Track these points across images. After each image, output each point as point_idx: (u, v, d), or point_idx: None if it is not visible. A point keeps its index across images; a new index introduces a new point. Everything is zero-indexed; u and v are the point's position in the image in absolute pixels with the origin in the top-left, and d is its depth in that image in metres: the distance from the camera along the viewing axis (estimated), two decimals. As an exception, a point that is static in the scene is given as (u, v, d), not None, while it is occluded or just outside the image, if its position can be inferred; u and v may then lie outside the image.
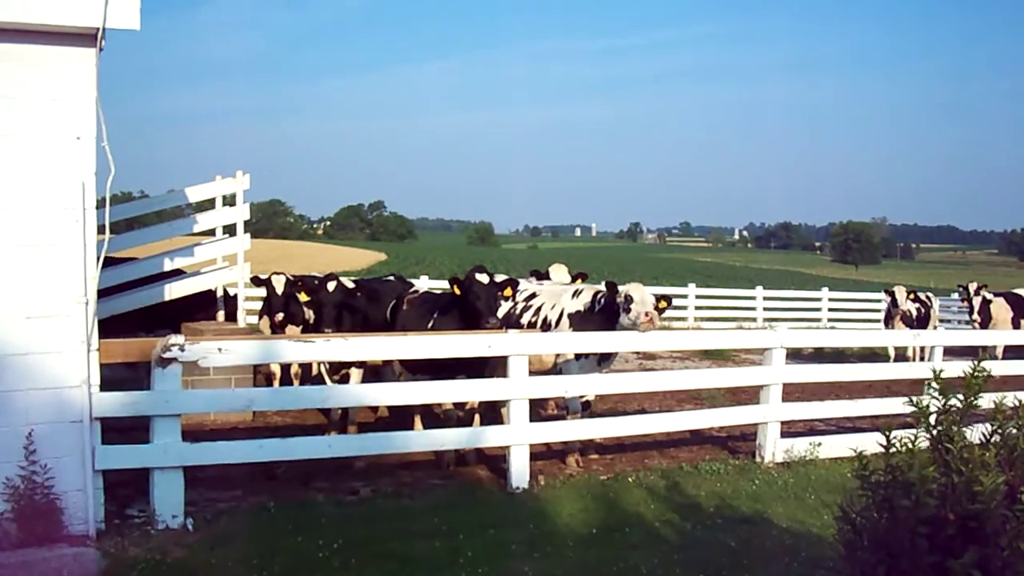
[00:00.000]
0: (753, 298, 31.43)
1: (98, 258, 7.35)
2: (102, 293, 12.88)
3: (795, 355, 10.61)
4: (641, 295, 10.04)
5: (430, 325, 10.46)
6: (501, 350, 9.03)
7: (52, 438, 7.12)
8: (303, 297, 11.34)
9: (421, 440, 9.08)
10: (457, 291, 10.16)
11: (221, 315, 13.44)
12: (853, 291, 34.93)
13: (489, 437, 9.29)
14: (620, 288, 10.30)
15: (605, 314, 10.36)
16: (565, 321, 10.80)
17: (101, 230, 7.47)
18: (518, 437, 9.06)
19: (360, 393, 8.89)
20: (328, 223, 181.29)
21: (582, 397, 10.42)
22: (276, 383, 12.57)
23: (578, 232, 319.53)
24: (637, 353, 17.11)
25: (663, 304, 10.55)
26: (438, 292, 11.75)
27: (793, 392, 11.17)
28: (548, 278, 10.49)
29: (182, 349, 7.70)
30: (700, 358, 19.52)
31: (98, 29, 6.95)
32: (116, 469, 7.62)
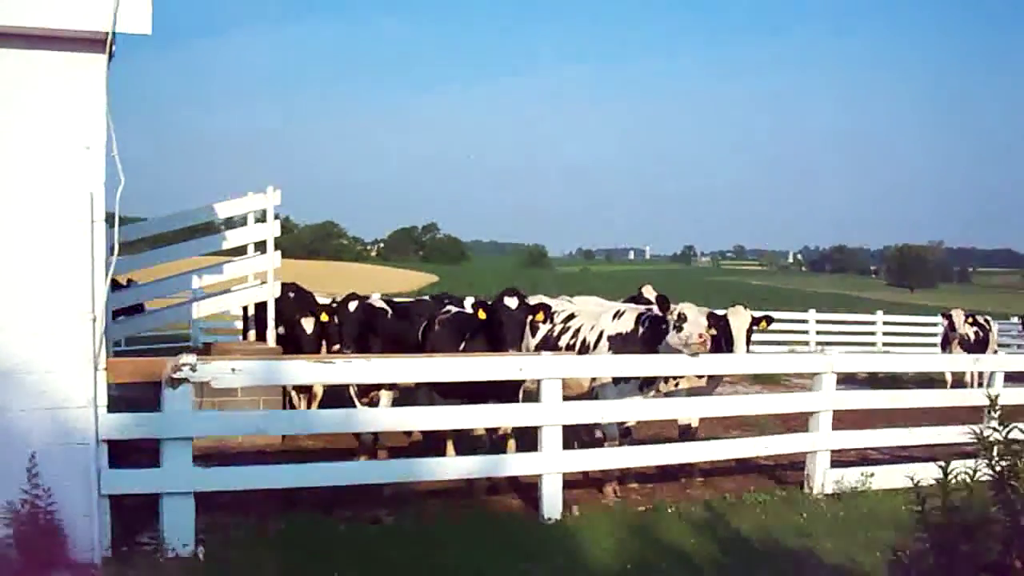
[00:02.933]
0: (806, 321, 30.63)
1: (107, 273, 7.01)
2: (126, 312, 12.89)
3: (848, 380, 10.06)
4: (695, 315, 9.52)
5: (462, 347, 10.04)
6: (533, 373, 8.59)
7: (56, 460, 6.81)
8: (323, 317, 11.01)
9: (447, 468, 8.63)
10: (483, 315, 9.74)
11: (252, 334, 13.09)
12: (909, 315, 33.96)
13: (520, 465, 8.84)
14: (672, 306, 9.80)
15: (649, 337, 9.83)
16: (604, 343, 10.32)
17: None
18: (550, 465, 8.60)
19: (380, 418, 8.48)
20: (381, 245, 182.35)
21: (622, 423, 9.92)
22: (315, 404, 12.23)
23: (631, 255, 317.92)
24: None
25: (763, 325, 10.15)
26: (472, 313, 11.30)
27: (844, 418, 10.57)
28: (645, 300, 10.03)
29: (193, 369, 7.34)
30: (749, 382, 18.99)
31: (107, 34, 6.67)
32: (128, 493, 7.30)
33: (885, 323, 31.65)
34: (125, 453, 7.53)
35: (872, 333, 31.21)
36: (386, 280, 75.30)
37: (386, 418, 8.50)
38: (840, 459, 10.46)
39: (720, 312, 10.78)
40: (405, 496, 9.03)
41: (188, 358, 7.39)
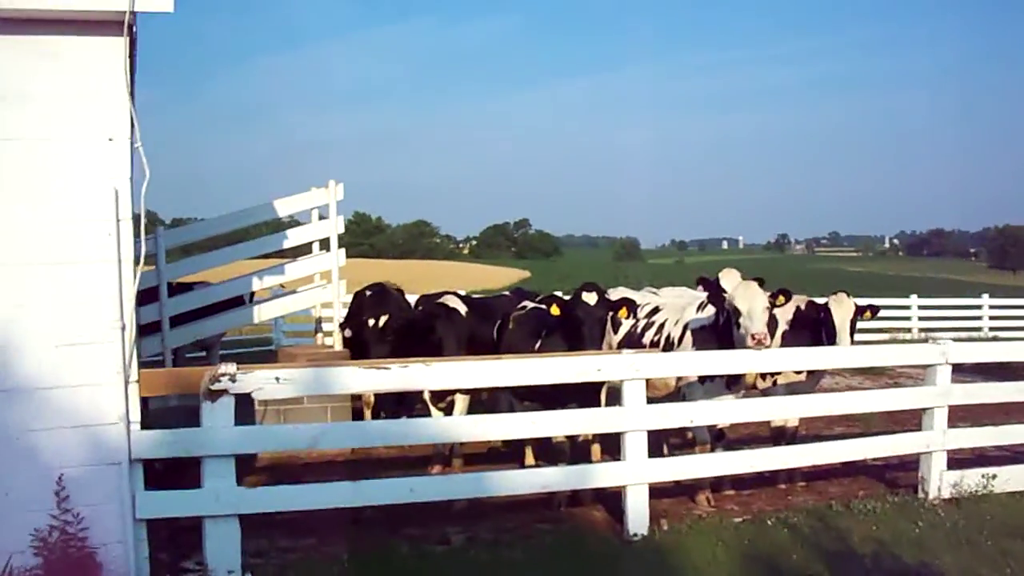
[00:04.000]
0: (908, 307, 29.32)
1: (135, 276, 6.38)
2: (185, 317, 12.36)
3: (954, 370, 9.05)
4: (749, 305, 8.49)
5: (537, 346, 9.26)
6: (613, 374, 7.77)
7: (86, 483, 6.25)
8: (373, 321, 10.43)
9: (519, 481, 7.77)
10: (557, 312, 8.96)
11: (319, 337, 12.43)
12: (1016, 297, 32.18)
13: (601, 476, 7.99)
14: (727, 293, 8.85)
15: (726, 329, 8.87)
16: (688, 338, 9.45)
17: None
18: (635, 475, 7.78)
19: (442, 428, 7.68)
20: (474, 242, 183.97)
21: (713, 425, 9.05)
22: (368, 412, 11.57)
23: (725, 245, 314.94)
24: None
25: (868, 315, 9.40)
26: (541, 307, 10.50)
27: (956, 414, 9.53)
28: (718, 287, 9.07)
29: (233, 379, 6.68)
30: (851, 374, 17.93)
31: (126, 13, 6.03)
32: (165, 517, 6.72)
33: (991, 307, 30.09)
34: (183, 469, 7.00)
35: (978, 318, 29.69)
36: (478, 277, 75.31)
37: (450, 428, 7.71)
38: (956, 459, 9.42)
39: (820, 300, 9.86)
40: (479, 509, 8.29)
41: (227, 367, 6.73)
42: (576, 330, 8.70)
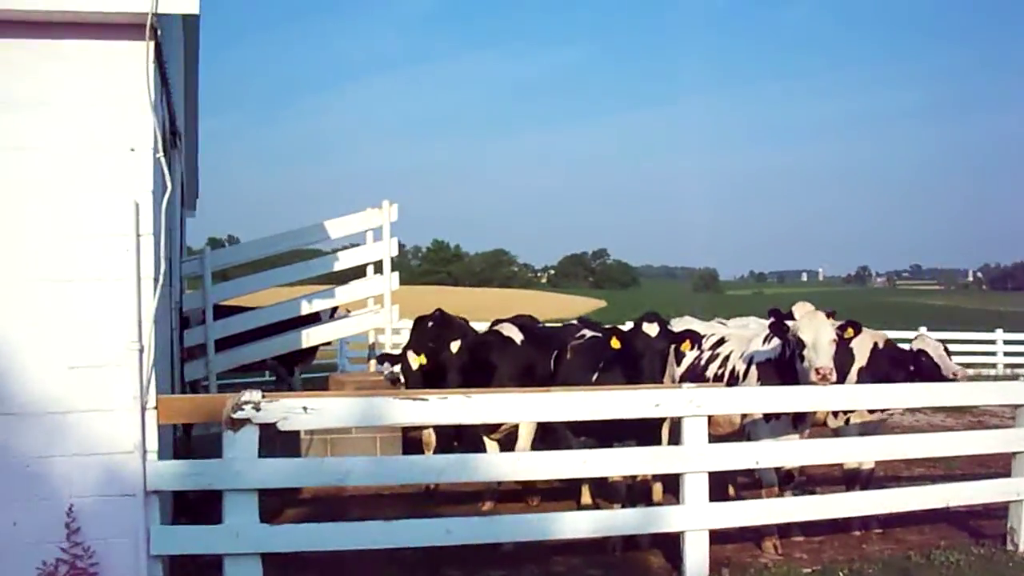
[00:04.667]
0: (993, 342, 28.14)
1: (155, 293, 5.97)
2: (231, 341, 12.01)
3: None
4: (814, 337, 7.88)
5: (595, 378, 8.71)
6: (671, 409, 7.18)
7: (98, 514, 5.89)
8: (420, 360, 9.83)
9: (565, 525, 7.10)
10: (617, 345, 8.40)
11: (373, 364, 11.96)
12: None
13: (657, 520, 7.37)
14: (791, 322, 8.22)
15: (791, 362, 8.22)
16: (753, 371, 8.82)
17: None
18: (693, 520, 7.16)
19: (482, 465, 7.08)
20: (552, 272, 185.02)
21: (780, 466, 8.39)
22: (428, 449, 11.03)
23: (804, 277, 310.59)
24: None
25: (849, 332, 8.39)
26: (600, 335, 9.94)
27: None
28: (784, 317, 8.44)
29: (257, 408, 6.23)
30: (932, 411, 17.02)
31: (148, 15, 5.66)
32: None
33: (1083, 343, 28.73)
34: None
35: (1070, 354, 28.35)
36: (554, 306, 75.11)
37: (490, 466, 7.11)
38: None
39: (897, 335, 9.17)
40: (529, 552, 7.72)
41: (250, 395, 6.28)
42: (635, 363, 8.17)
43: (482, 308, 12.52)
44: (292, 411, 6.34)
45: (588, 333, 9.90)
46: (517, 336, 10.08)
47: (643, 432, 8.00)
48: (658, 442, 8.29)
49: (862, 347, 9.23)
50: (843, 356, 8.90)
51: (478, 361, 9.46)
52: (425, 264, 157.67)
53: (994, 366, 27.18)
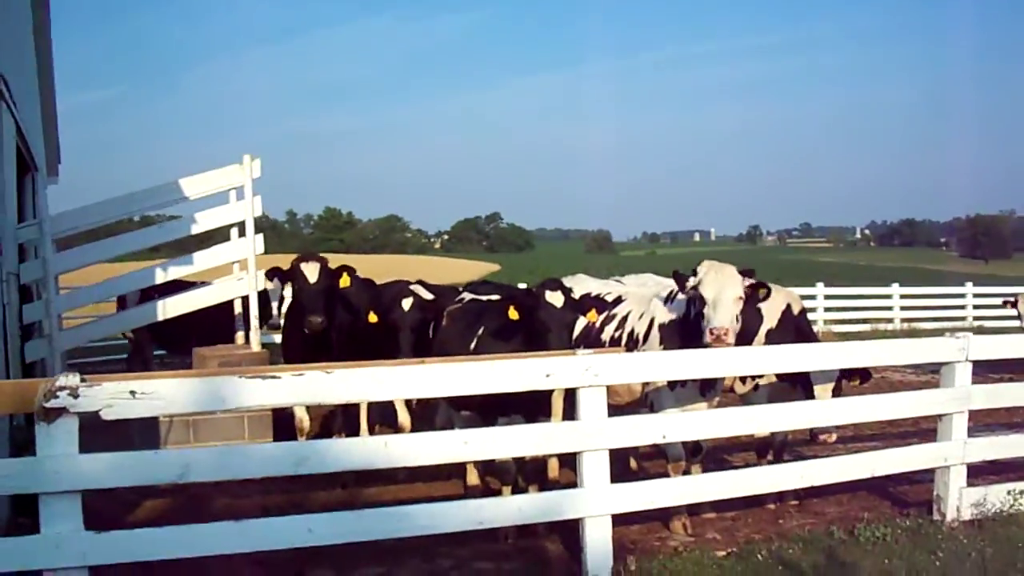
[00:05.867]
0: (889, 296, 27.96)
1: None
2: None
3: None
4: (716, 293, 7.22)
5: (472, 346, 7.79)
6: (565, 380, 6.25)
7: None
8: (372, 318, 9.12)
9: (447, 518, 6.01)
10: (515, 316, 7.50)
11: (240, 336, 10.82)
12: (996, 286, 30.67)
13: (553, 507, 6.39)
14: (692, 278, 7.48)
15: (697, 325, 7.42)
16: (655, 335, 7.96)
17: None
18: (594, 505, 6.27)
19: (346, 453, 5.94)
20: (446, 237, 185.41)
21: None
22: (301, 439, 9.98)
23: (697, 237, 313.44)
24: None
25: (761, 292, 7.67)
26: (487, 299, 9.01)
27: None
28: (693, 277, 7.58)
29: (75, 395, 5.17)
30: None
31: None
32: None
33: (976, 295, 28.71)
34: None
35: (962, 307, 28.31)
36: (448, 271, 74.64)
37: (357, 453, 5.94)
38: (974, 472, 7.99)
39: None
40: (407, 543, 6.73)
41: (67, 379, 5.21)
42: (540, 338, 7.33)
43: (376, 274, 11.46)
44: (118, 397, 5.28)
45: (467, 296, 9.06)
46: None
47: (533, 406, 7.16)
48: (549, 416, 7.43)
49: (772, 308, 8.50)
50: (751, 317, 8.14)
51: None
52: (317, 232, 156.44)
53: (891, 321, 26.98)
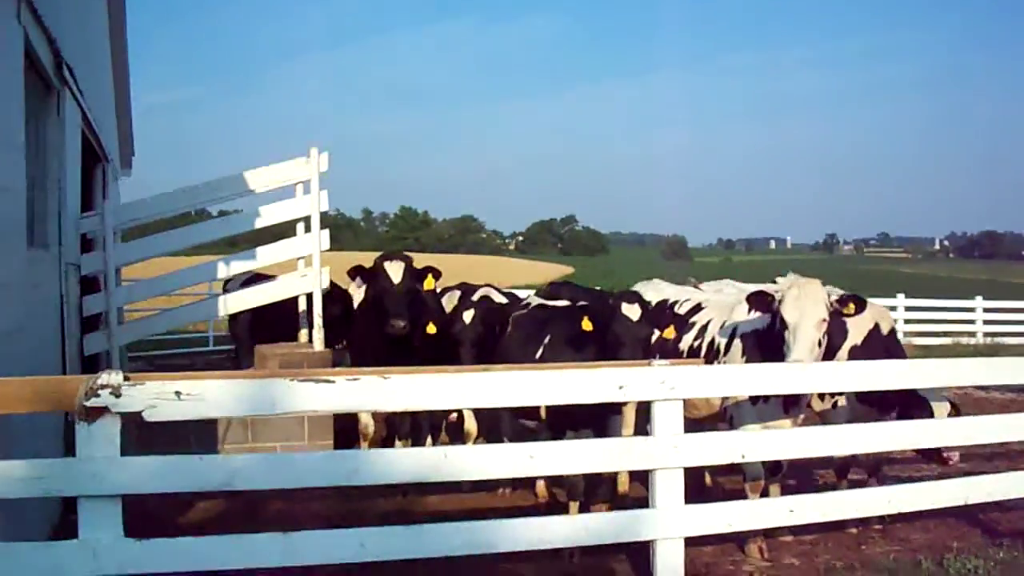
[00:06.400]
0: (972, 310, 27.13)
1: None
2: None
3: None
4: (797, 318, 6.73)
5: (539, 354, 7.41)
6: (640, 392, 5.84)
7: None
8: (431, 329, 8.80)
9: (507, 536, 5.66)
10: (588, 327, 7.18)
11: (304, 334, 10.50)
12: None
13: (624, 529, 5.95)
14: (776, 292, 7.04)
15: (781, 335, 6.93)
16: (737, 346, 7.50)
17: None
18: (667, 527, 5.86)
19: (399, 464, 5.53)
20: (520, 238, 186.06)
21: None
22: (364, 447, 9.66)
23: (772, 244, 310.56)
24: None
25: (850, 308, 7.14)
26: (556, 305, 8.63)
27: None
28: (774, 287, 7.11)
29: (116, 394, 4.88)
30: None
31: None
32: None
33: (1065, 310, 27.69)
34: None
35: (1051, 322, 27.31)
36: (522, 273, 74.51)
37: (412, 465, 5.50)
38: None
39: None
40: (464, 559, 6.36)
41: (109, 376, 4.92)
42: (612, 351, 6.96)
43: (450, 274, 11.14)
44: (162, 397, 4.99)
45: (534, 301, 8.71)
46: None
47: (602, 418, 6.75)
48: (618, 431, 7.05)
49: (859, 325, 7.96)
50: (835, 332, 7.62)
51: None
52: (393, 231, 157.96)
53: (974, 335, 26.18)
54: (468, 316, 8.88)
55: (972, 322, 26.97)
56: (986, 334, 26.36)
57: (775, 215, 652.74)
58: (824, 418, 8.06)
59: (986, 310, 27.28)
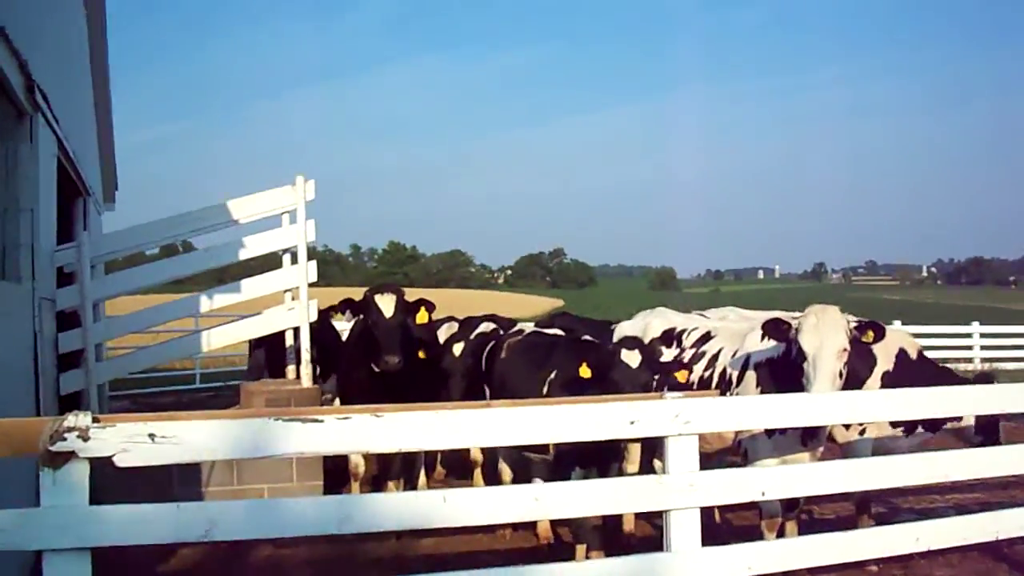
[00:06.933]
0: (968, 335, 26.80)
1: None
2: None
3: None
4: (816, 347, 6.37)
5: (545, 389, 7.06)
6: (653, 427, 5.40)
7: None
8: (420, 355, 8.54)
9: None
10: (587, 374, 6.89)
11: (291, 370, 10.05)
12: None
13: (640, 574, 5.53)
14: (794, 321, 6.68)
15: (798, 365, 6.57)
16: (751, 376, 7.10)
17: None
18: (683, 572, 5.40)
19: (394, 510, 5.01)
20: (509, 272, 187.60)
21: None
22: (355, 488, 9.20)
23: (761, 274, 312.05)
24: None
25: (869, 335, 6.76)
26: (551, 333, 8.29)
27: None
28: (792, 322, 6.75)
29: (84, 437, 4.44)
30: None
31: None
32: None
33: (1064, 335, 27.39)
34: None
35: (1045, 347, 27.01)
36: (512, 306, 74.07)
37: (406, 511, 5.01)
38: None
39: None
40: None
41: (77, 418, 4.49)
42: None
43: (442, 309, 10.76)
44: (134, 440, 4.54)
45: (528, 328, 8.43)
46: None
47: (606, 456, 6.37)
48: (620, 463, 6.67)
49: (887, 351, 7.68)
50: (861, 360, 7.27)
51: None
52: (381, 266, 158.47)
53: (971, 360, 25.85)
54: (458, 349, 8.60)
55: (970, 348, 26.65)
56: (983, 359, 26.07)
57: (763, 245, 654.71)
58: (848, 450, 7.66)
59: (983, 335, 26.98)
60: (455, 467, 10.81)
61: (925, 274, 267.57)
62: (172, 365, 21.75)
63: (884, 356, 7.69)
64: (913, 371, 7.67)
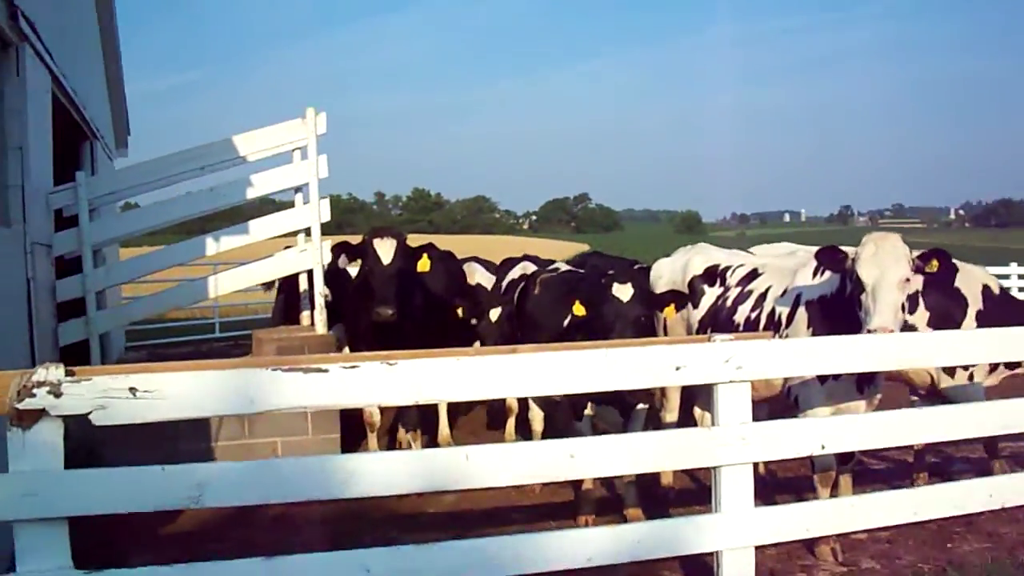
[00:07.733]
0: (1007, 276, 26.04)
1: None
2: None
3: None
4: (876, 277, 5.70)
5: (566, 322, 6.65)
6: (700, 374, 4.83)
7: None
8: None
9: (544, 554, 4.65)
10: (581, 312, 6.53)
11: (306, 316, 9.47)
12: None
13: (681, 538, 4.94)
14: (851, 250, 6.07)
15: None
16: (802, 315, 6.47)
17: None
18: (735, 536, 4.87)
19: (403, 470, 4.38)
20: (533, 217, 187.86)
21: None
22: (372, 439, 8.75)
23: (787, 218, 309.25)
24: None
25: (933, 264, 6.08)
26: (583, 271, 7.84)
27: None
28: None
29: (56, 393, 3.89)
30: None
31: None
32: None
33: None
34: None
35: (1088, 288, 26.23)
36: (536, 251, 73.20)
37: (418, 470, 4.44)
38: None
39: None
40: None
41: (48, 371, 3.95)
42: (600, 336, 6.17)
43: (465, 255, 10.33)
44: (112, 395, 4.02)
45: (563, 267, 7.97)
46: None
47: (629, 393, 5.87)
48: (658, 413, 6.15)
49: (972, 287, 7.27)
50: (950, 299, 7.00)
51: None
52: (406, 213, 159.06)
53: (1010, 302, 25.13)
54: (495, 314, 8.11)
55: (1008, 289, 25.88)
56: (1023, 301, 25.33)
57: (789, 188, 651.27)
58: (950, 398, 7.07)
59: (1020, 276, 26.24)
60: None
61: (953, 216, 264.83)
62: (192, 313, 21.28)
63: (972, 295, 7.25)
64: (1003, 308, 7.24)
